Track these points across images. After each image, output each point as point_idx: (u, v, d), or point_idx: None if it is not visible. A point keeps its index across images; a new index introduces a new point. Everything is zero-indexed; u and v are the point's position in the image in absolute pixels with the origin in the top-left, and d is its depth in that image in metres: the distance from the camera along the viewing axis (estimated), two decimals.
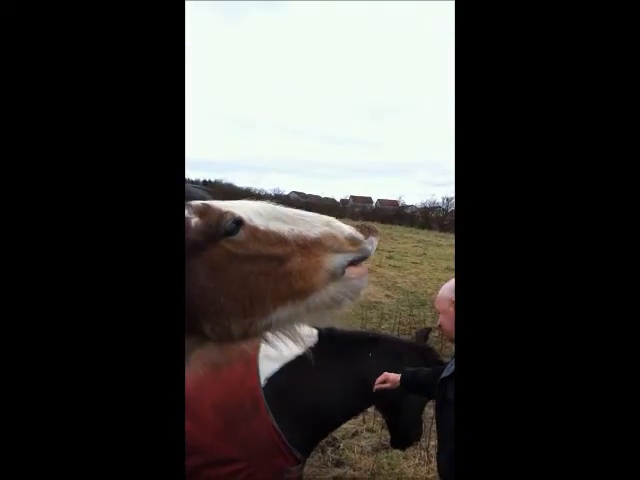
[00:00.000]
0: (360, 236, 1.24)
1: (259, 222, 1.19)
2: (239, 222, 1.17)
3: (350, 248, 1.21)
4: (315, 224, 1.22)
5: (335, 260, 1.19)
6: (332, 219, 1.26)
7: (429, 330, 2.71)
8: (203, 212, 1.17)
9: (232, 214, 1.17)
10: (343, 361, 2.31)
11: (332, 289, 1.19)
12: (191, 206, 1.19)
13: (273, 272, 1.16)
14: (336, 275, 1.19)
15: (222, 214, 1.16)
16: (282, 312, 1.18)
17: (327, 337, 2.33)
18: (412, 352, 2.44)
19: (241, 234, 1.16)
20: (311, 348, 2.27)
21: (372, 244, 1.25)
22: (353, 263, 1.22)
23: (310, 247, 1.18)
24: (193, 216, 1.16)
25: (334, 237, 1.21)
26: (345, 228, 1.24)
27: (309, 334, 2.33)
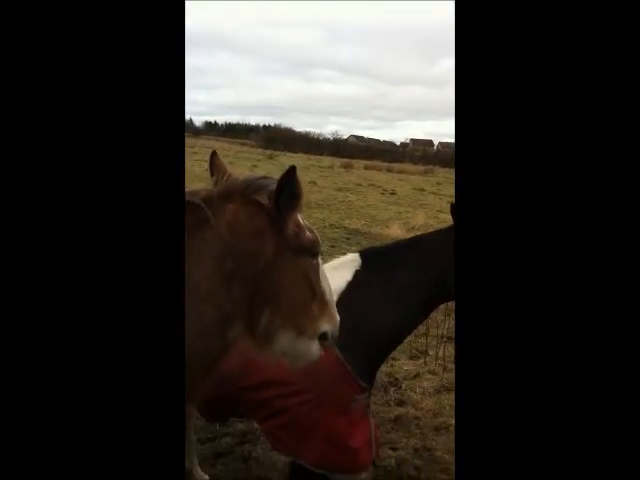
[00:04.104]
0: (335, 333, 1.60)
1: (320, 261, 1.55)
2: (319, 253, 1.52)
3: (331, 326, 1.55)
4: (332, 295, 1.57)
5: (323, 327, 1.52)
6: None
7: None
8: (311, 230, 1.49)
9: (320, 245, 1.52)
10: (388, 275, 2.28)
11: (303, 344, 1.50)
12: (305, 224, 1.49)
13: (308, 302, 1.47)
14: (313, 337, 1.52)
15: (318, 240, 1.50)
16: (286, 335, 1.45)
17: (369, 257, 2.33)
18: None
19: (316, 262, 1.50)
20: (357, 271, 2.29)
21: (334, 338, 1.60)
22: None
23: (324, 305, 1.51)
24: (307, 229, 1.48)
25: (331, 313, 1.55)
26: (338, 317, 1.59)
27: (353, 259, 2.34)
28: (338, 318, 1.59)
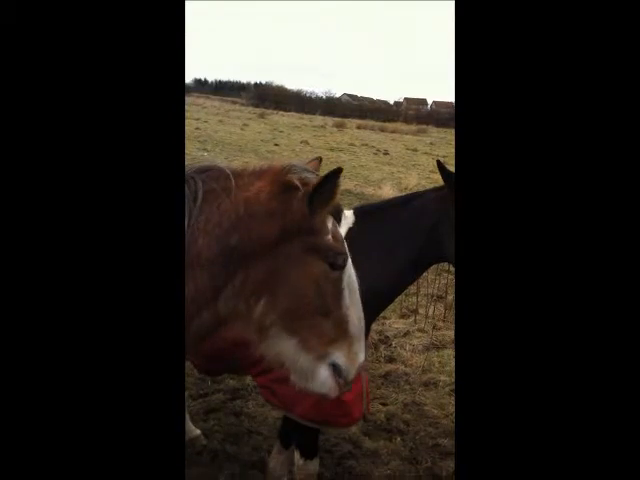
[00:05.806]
0: None
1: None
2: (341, 267, 1.41)
3: (345, 361, 1.43)
4: (361, 333, 1.45)
5: (335, 355, 1.42)
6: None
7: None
8: (336, 239, 1.41)
9: (344, 259, 1.40)
10: (380, 232, 2.29)
11: (306, 360, 1.41)
12: (333, 231, 1.42)
13: (315, 314, 1.38)
14: (321, 359, 1.42)
15: (338, 250, 1.40)
16: (283, 337, 1.39)
17: (362, 214, 2.35)
18: (444, 192, 2.29)
19: (336, 274, 1.39)
20: (350, 229, 2.29)
21: (349, 380, 1.48)
22: None
23: (342, 332, 1.41)
24: (332, 234, 1.41)
25: (352, 348, 1.43)
26: (362, 358, 1.48)
27: (347, 215, 2.34)
28: (361, 359, 1.46)
